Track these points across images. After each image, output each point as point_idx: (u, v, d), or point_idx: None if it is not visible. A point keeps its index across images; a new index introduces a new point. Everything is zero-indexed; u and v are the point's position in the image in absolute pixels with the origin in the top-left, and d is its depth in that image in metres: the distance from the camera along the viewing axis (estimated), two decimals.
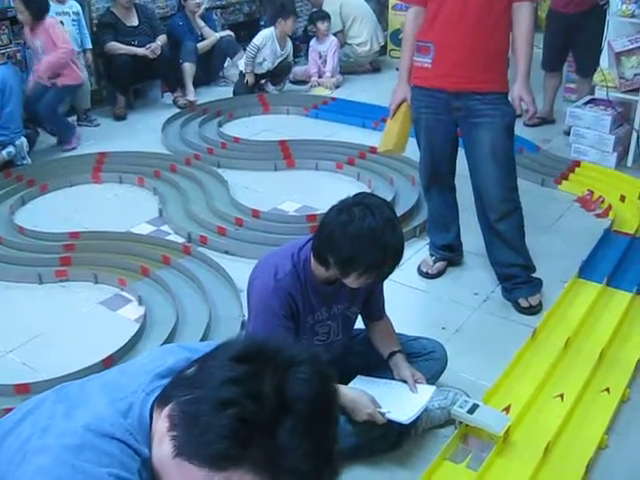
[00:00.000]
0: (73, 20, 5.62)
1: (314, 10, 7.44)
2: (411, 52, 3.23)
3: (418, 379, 2.47)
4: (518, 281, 3.33)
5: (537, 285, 3.37)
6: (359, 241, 2.12)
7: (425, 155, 3.41)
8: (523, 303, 3.31)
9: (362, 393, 2.33)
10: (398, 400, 2.40)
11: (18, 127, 4.94)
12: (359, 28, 7.35)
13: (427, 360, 2.61)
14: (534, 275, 3.38)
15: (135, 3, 6.17)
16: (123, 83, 6.18)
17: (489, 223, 3.30)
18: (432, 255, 3.63)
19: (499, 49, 3.08)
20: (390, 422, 2.33)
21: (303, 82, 7.12)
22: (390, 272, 2.24)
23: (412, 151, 5.17)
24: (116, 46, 5.98)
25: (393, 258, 2.19)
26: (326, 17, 7.08)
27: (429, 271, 3.61)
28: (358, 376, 2.52)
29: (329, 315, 2.43)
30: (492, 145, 3.13)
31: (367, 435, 2.37)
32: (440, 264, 3.62)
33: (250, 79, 6.64)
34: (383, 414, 2.31)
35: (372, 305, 2.57)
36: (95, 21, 6.16)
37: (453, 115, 3.18)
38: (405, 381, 2.46)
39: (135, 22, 6.15)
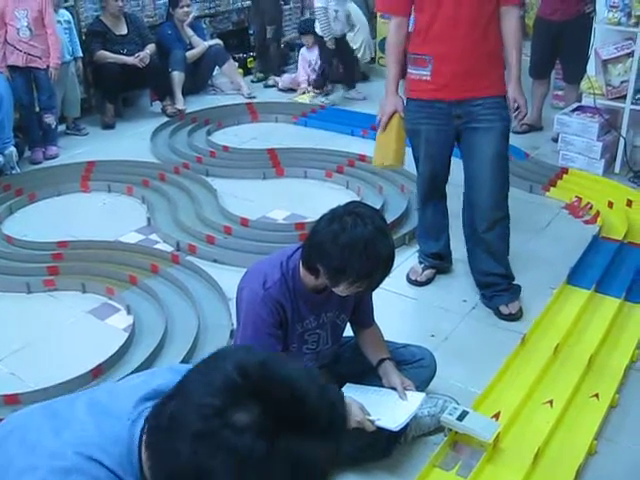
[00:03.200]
0: (65, 28, 5.61)
1: (302, 20, 7.45)
2: (397, 63, 3.21)
3: (407, 386, 2.47)
4: (497, 289, 3.34)
5: (516, 292, 3.38)
6: (350, 251, 2.12)
7: (425, 168, 3.37)
8: (504, 310, 3.31)
9: (351, 401, 2.32)
10: (387, 407, 2.40)
11: (8, 136, 4.93)
12: (356, 36, 7.38)
13: (416, 367, 2.61)
14: (513, 282, 3.40)
15: (124, 12, 6.17)
16: (112, 92, 6.17)
17: (477, 233, 3.30)
18: (421, 263, 3.64)
19: (495, 52, 3.09)
20: (379, 429, 2.33)
21: (292, 90, 7.12)
22: (381, 281, 2.24)
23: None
24: (105, 55, 5.98)
25: (384, 267, 2.19)
26: (310, 31, 7.06)
27: (418, 279, 3.61)
28: (347, 384, 2.52)
29: (318, 323, 2.42)
30: (491, 150, 3.13)
31: (356, 443, 2.36)
32: (429, 272, 3.62)
33: (330, 44, 6.63)
34: (372, 421, 2.30)
35: (361, 313, 2.57)
36: (84, 30, 6.16)
37: (454, 123, 3.17)
38: (394, 388, 2.46)
39: (124, 31, 6.15)
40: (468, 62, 3.04)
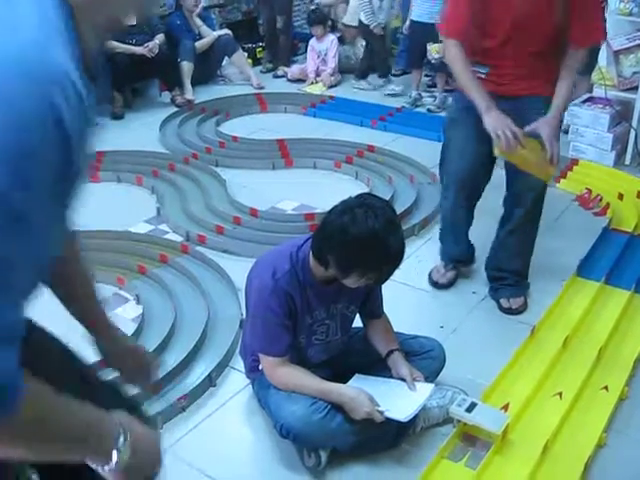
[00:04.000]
0: None
1: (311, 10, 7.44)
2: (472, 73, 2.93)
3: (416, 377, 2.47)
4: (504, 282, 3.33)
5: (522, 288, 3.35)
6: (361, 243, 2.12)
7: (455, 160, 3.19)
8: (504, 304, 3.30)
9: (360, 392, 2.33)
10: (396, 398, 2.40)
11: None
12: None
13: (425, 359, 2.60)
14: (523, 280, 3.39)
15: None
16: (121, 82, 6.16)
17: (504, 231, 3.29)
18: (445, 264, 3.52)
19: (551, 67, 2.97)
20: (388, 420, 2.33)
21: (301, 81, 7.11)
22: (391, 274, 2.25)
23: (411, 149, 5.18)
24: (113, 45, 5.97)
25: (394, 260, 2.20)
26: (320, 22, 7.06)
27: (439, 281, 3.49)
28: (356, 375, 2.52)
29: (327, 314, 2.43)
30: None
31: (365, 433, 2.36)
32: (451, 274, 3.51)
33: (378, 30, 6.66)
34: (381, 412, 2.30)
35: (370, 304, 2.57)
36: None
37: None
38: (403, 379, 2.46)
39: (133, 21, 6.12)
40: (525, 72, 2.95)
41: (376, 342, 2.58)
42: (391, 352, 2.52)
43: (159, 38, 6.22)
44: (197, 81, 6.75)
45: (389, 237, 2.14)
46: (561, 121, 3.10)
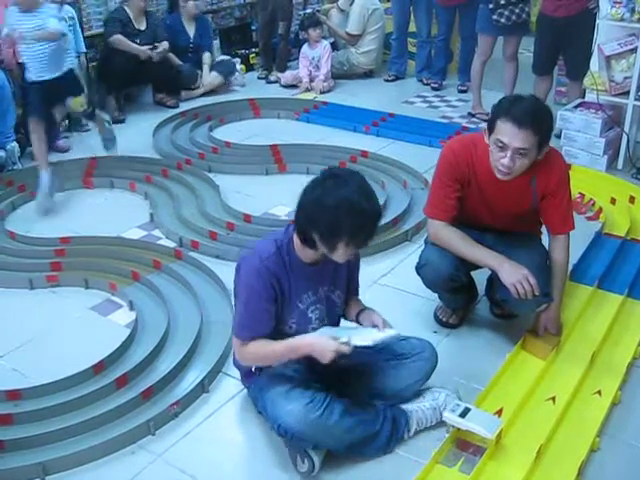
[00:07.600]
0: (69, 25, 5.60)
1: (306, 15, 7.43)
2: (473, 241, 2.88)
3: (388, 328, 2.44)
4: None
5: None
6: (338, 210, 2.17)
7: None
8: (497, 311, 3.29)
9: (318, 335, 2.35)
10: (364, 334, 2.38)
11: (9, 131, 4.92)
12: (371, 40, 7.37)
13: (417, 360, 2.58)
14: None
15: (146, 10, 6.31)
16: (118, 83, 6.20)
17: None
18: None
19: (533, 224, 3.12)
20: (359, 349, 2.31)
21: (294, 87, 7.11)
22: (371, 237, 2.29)
23: (404, 155, 5.18)
24: (120, 39, 6.02)
25: (372, 222, 2.26)
26: (318, 23, 7.08)
27: (449, 320, 3.24)
28: (324, 327, 2.49)
29: (317, 298, 2.46)
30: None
31: (361, 430, 2.39)
32: (460, 312, 3.27)
33: None
34: (347, 343, 2.28)
35: (350, 287, 2.62)
36: (86, 25, 6.19)
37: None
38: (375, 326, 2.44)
39: (143, 26, 6.27)
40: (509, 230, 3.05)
41: (348, 312, 2.62)
42: (362, 310, 2.56)
43: (164, 45, 6.33)
44: (189, 87, 6.77)
45: (362, 201, 2.19)
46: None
